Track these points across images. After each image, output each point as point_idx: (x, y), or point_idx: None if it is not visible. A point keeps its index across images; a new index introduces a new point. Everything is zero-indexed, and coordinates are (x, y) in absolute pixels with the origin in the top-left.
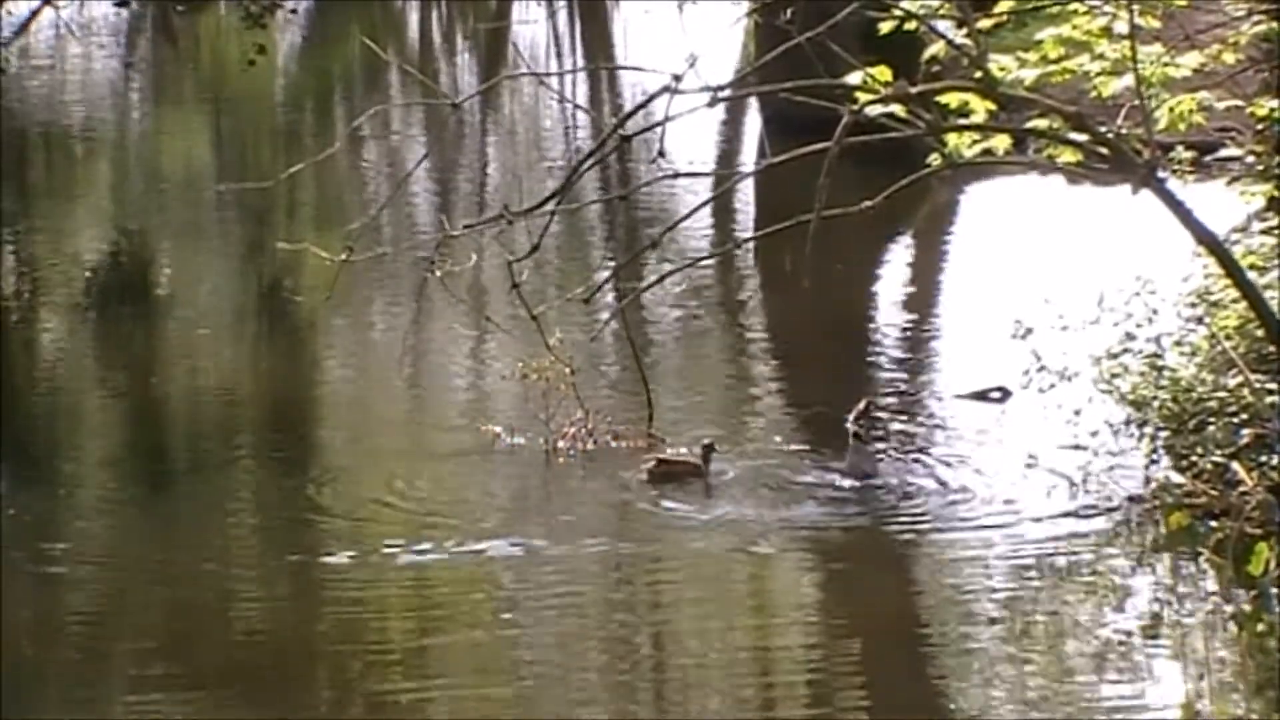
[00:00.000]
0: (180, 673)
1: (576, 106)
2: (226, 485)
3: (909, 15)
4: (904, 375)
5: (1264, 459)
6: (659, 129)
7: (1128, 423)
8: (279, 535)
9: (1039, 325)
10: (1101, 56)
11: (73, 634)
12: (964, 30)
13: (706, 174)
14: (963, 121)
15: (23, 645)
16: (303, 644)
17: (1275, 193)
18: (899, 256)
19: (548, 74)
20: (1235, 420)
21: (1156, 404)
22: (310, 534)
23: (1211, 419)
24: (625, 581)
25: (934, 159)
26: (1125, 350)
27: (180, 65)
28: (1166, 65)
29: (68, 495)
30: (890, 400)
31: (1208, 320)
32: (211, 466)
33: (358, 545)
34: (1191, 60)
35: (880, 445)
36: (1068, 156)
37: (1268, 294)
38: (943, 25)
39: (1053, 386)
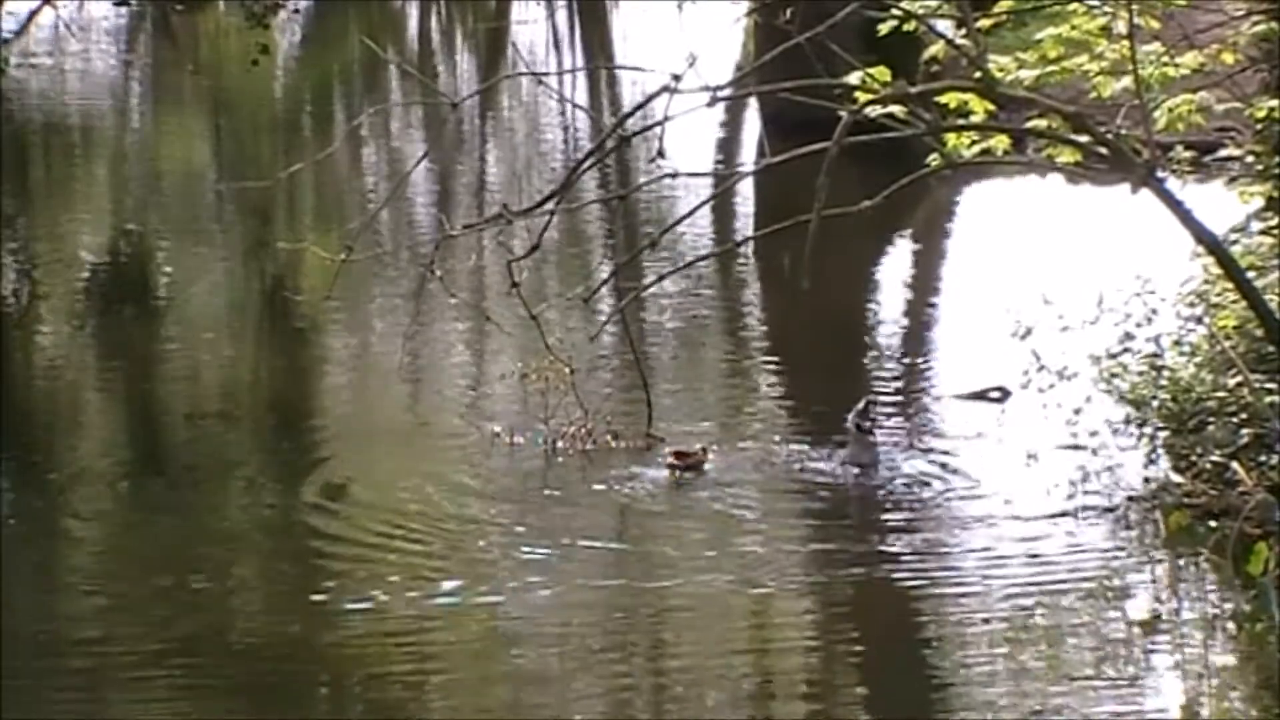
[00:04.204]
0: (175, 688)
1: (576, 106)
2: (226, 492)
3: (909, 15)
4: (903, 375)
5: (1263, 459)
6: (659, 129)
7: (1127, 422)
8: (279, 544)
9: (1039, 325)
10: (1101, 56)
11: (72, 640)
12: (963, 30)
13: (706, 174)
14: (962, 121)
15: (22, 651)
16: (303, 666)
17: (1274, 193)
18: (898, 256)
19: (547, 74)
20: (1235, 420)
21: (1156, 404)
22: (311, 548)
23: (1211, 419)
24: (627, 612)
25: (933, 159)
26: (1125, 350)
27: (180, 65)
28: (1166, 65)
29: (67, 502)
30: (890, 400)
31: (1207, 320)
32: (211, 473)
33: (358, 561)
34: (1191, 60)
35: (880, 441)
36: (1067, 156)
37: (1267, 294)
38: (942, 25)
39: (1052, 386)
